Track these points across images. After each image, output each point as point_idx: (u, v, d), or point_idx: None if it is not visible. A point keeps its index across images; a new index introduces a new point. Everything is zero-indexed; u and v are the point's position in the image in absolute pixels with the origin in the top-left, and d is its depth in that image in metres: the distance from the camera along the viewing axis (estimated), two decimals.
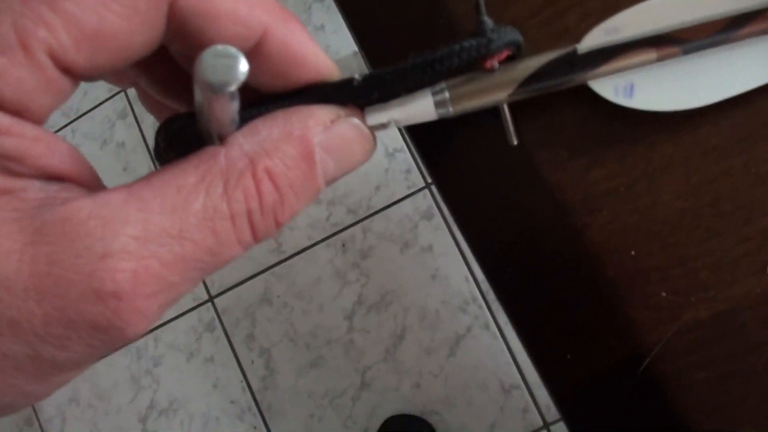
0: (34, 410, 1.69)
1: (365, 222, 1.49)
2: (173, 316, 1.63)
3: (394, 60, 0.28)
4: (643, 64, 0.30)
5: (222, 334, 1.59)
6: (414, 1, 0.36)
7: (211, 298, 1.60)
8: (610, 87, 0.30)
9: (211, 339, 1.60)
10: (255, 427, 1.55)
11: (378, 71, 0.28)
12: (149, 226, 0.20)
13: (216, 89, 0.20)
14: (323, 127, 0.25)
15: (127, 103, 1.69)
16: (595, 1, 0.33)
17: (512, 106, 0.31)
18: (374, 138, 0.28)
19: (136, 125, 1.69)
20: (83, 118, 1.74)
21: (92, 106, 1.73)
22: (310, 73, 0.26)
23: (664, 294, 0.32)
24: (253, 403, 1.56)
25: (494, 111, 0.31)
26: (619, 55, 0.29)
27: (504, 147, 0.34)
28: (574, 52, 0.30)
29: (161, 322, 1.64)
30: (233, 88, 0.20)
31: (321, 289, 1.52)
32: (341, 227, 1.51)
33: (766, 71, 0.29)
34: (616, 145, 0.32)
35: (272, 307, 1.56)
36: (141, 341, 1.65)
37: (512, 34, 0.29)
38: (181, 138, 0.25)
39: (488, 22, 0.28)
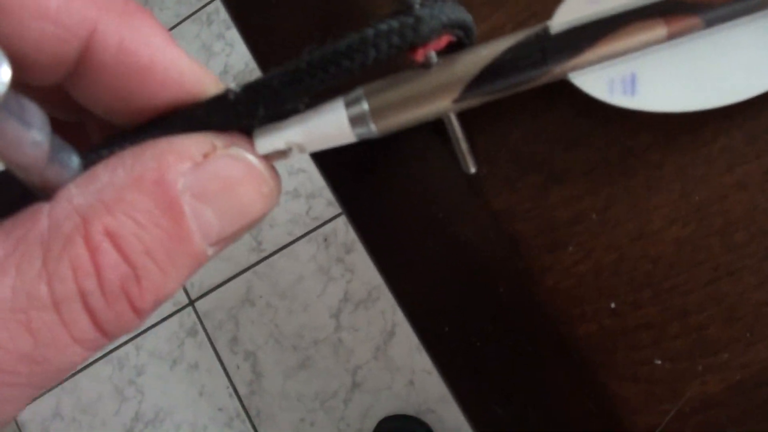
0: (18, 426, 1.65)
1: None
2: (154, 322, 1.58)
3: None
4: (646, 46, 0.20)
5: (205, 338, 1.54)
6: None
7: (191, 302, 1.55)
8: (602, 81, 0.21)
9: (194, 344, 1.55)
10: None
11: (262, 78, 0.20)
12: None
13: None
14: (191, 164, 0.18)
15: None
16: None
17: (464, 116, 0.22)
18: (273, 173, 0.20)
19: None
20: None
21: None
22: (170, 89, 0.19)
23: (658, 361, 0.23)
24: (241, 410, 1.51)
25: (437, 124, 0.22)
26: (611, 34, 0.20)
27: (435, 163, 0.24)
28: (545, 32, 0.21)
29: (142, 328, 1.59)
30: None
31: (305, 287, 1.46)
32: (322, 221, 1.45)
33: None
34: (584, 153, 0.23)
35: (255, 309, 1.50)
36: (122, 350, 1.61)
37: (454, 11, 0.20)
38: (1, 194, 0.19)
39: None
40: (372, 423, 1.40)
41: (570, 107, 0.23)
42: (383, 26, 0.19)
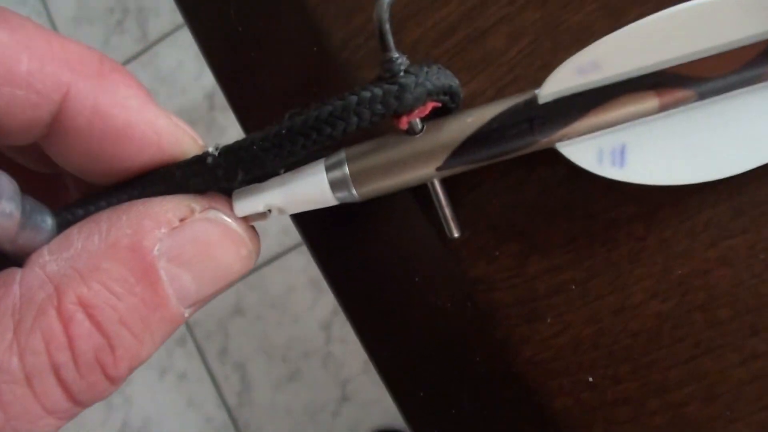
0: None
1: None
2: None
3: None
4: (638, 118, 0.20)
5: (194, 348, 1.53)
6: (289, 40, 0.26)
7: None
8: (591, 152, 0.20)
9: (183, 354, 1.54)
10: None
11: (242, 141, 0.19)
12: None
13: None
14: (167, 228, 0.18)
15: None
16: (529, 13, 0.23)
17: (448, 183, 0.21)
18: (252, 234, 0.20)
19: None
20: None
21: None
22: (147, 151, 0.19)
23: None
24: (229, 421, 1.51)
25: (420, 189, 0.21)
26: (601, 105, 0.20)
27: (414, 228, 0.24)
28: (534, 101, 0.20)
29: None
30: None
31: (295, 298, 1.45)
32: None
33: None
34: (565, 223, 0.22)
35: (245, 319, 1.50)
36: None
37: (440, 77, 0.20)
38: None
39: (400, 59, 0.19)
40: None
41: (551, 177, 0.22)
42: (366, 93, 0.19)
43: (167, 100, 1.47)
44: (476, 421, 0.23)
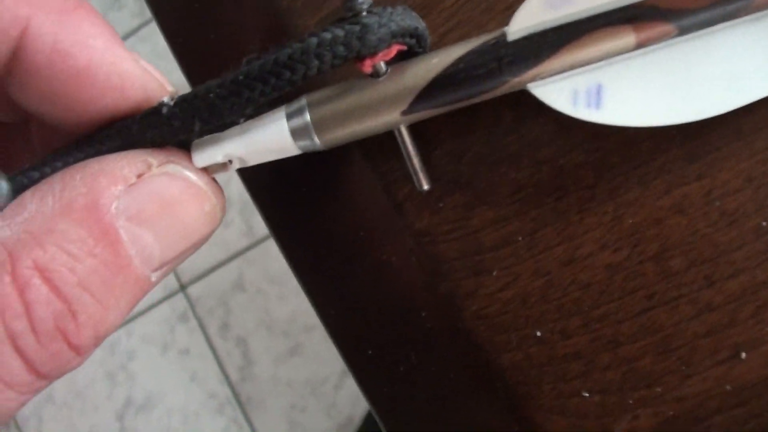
0: None
1: None
2: (145, 307, 1.58)
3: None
4: (614, 55, 0.19)
5: (196, 324, 1.54)
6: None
7: (182, 287, 1.55)
8: (565, 93, 0.19)
9: (185, 330, 1.55)
10: (235, 421, 1.50)
11: (199, 89, 0.18)
12: None
13: None
14: (124, 186, 0.17)
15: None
16: None
17: (416, 130, 0.20)
18: (216, 189, 0.19)
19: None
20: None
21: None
22: (110, 95, 0.18)
23: (586, 394, 0.21)
24: (232, 396, 1.52)
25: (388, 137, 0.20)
26: (575, 42, 0.19)
27: (361, 184, 0.23)
28: (502, 39, 0.19)
29: (133, 314, 1.59)
30: None
31: None
32: None
33: None
34: (511, 172, 0.21)
35: (246, 294, 1.50)
36: (114, 335, 1.60)
37: (404, 18, 0.19)
38: None
39: None
40: (362, 410, 1.39)
41: (497, 124, 0.21)
42: (327, 35, 0.18)
43: (167, 75, 1.46)
44: (424, 378, 0.23)
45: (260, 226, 1.47)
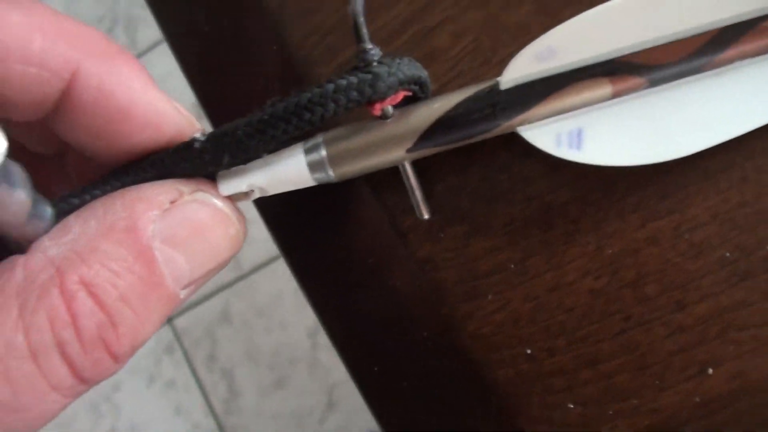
0: None
1: None
2: None
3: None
4: (593, 103, 0.21)
5: (182, 356, 1.53)
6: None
7: (169, 319, 1.54)
8: (550, 135, 0.22)
9: (170, 362, 1.54)
10: None
11: (227, 126, 0.21)
12: None
13: None
14: (159, 211, 0.19)
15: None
16: (471, 14, 0.24)
17: (419, 166, 0.23)
18: (239, 215, 0.21)
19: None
20: None
21: None
22: (148, 131, 0.20)
23: (570, 405, 0.24)
24: (216, 428, 1.50)
25: (393, 173, 0.23)
26: (559, 91, 0.21)
27: (361, 211, 0.25)
28: (496, 87, 0.22)
29: None
30: None
31: (282, 305, 1.45)
32: None
33: (758, 111, 0.21)
34: (504, 207, 0.24)
35: (233, 327, 1.49)
36: None
37: (410, 68, 0.21)
38: None
39: (374, 51, 0.21)
40: None
41: (493, 163, 0.24)
42: (342, 82, 0.20)
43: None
44: (425, 393, 0.25)
45: (247, 259, 1.48)
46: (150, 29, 1.56)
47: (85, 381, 0.17)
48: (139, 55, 1.53)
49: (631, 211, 0.23)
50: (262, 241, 1.44)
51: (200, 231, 0.20)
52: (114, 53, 0.19)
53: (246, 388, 1.48)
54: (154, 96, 0.20)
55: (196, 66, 0.28)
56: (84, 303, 0.17)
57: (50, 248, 0.17)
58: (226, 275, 1.50)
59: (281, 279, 1.46)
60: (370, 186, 0.25)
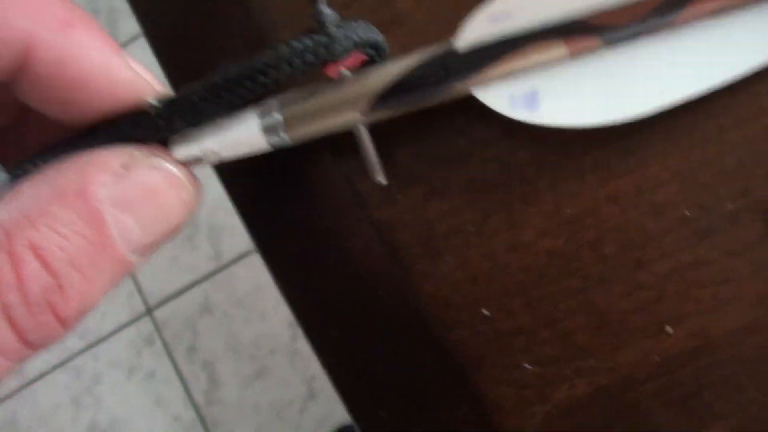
0: None
1: None
2: (111, 330, 1.56)
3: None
4: (548, 64, 0.21)
5: (162, 347, 1.52)
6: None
7: (149, 311, 1.54)
8: (504, 96, 0.22)
9: (151, 353, 1.54)
10: None
11: (182, 92, 0.21)
12: None
13: None
14: (112, 175, 0.19)
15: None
16: None
17: (376, 130, 0.23)
18: (193, 180, 0.21)
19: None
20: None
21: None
22: (108, 99, 0.20)
23: (528, 365, 0.24)
24: (197, 420, 1.50)
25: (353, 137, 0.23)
26: (513, 52, 0.21)
27: (320, 174, 0.25)
28: (451, 50, 0.22)
29: (99, 337, 1.57)
30: None
31: (262, 296, 1.45)
32: None
33: (715, 70, 0.21)
34: (462, 169, 0.24)
35: (213, 318, 1.49)
36: (79, 359, 1.59)
37: (366, 31, 0.21)
38: None
39: (330, 13, 0.20)
40: None
41: (449, 127, 0.24)
42: (298, 44, 0.20)
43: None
44: (383, 357, 0.25)
45: (227, 250, 1.48)
46: (131, 21, 1.55)
47: (31, 345, 0.17)
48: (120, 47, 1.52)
49: (590, 171, 0.23)
50: (242, 231, 1.45)
51: (152, 195, 0.20)
52: (72, 20, 0.19)
53: (226, 379, 1.48)
54: (114, 63, 0.20)
55: (162, 38, 0.28)
56: (31, 266, 0.17)
57: (0, 213, 0.17)
58: (206, 266, 1.49)
59: (261, 270, 1.45)
60: (329, 150, 0.25)
